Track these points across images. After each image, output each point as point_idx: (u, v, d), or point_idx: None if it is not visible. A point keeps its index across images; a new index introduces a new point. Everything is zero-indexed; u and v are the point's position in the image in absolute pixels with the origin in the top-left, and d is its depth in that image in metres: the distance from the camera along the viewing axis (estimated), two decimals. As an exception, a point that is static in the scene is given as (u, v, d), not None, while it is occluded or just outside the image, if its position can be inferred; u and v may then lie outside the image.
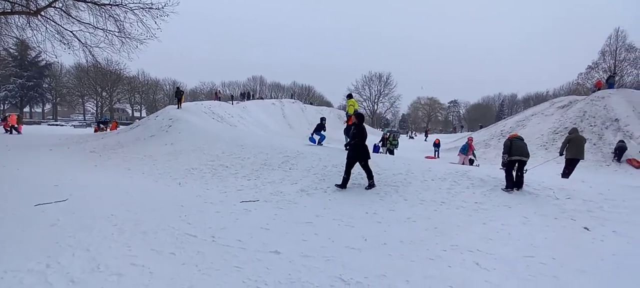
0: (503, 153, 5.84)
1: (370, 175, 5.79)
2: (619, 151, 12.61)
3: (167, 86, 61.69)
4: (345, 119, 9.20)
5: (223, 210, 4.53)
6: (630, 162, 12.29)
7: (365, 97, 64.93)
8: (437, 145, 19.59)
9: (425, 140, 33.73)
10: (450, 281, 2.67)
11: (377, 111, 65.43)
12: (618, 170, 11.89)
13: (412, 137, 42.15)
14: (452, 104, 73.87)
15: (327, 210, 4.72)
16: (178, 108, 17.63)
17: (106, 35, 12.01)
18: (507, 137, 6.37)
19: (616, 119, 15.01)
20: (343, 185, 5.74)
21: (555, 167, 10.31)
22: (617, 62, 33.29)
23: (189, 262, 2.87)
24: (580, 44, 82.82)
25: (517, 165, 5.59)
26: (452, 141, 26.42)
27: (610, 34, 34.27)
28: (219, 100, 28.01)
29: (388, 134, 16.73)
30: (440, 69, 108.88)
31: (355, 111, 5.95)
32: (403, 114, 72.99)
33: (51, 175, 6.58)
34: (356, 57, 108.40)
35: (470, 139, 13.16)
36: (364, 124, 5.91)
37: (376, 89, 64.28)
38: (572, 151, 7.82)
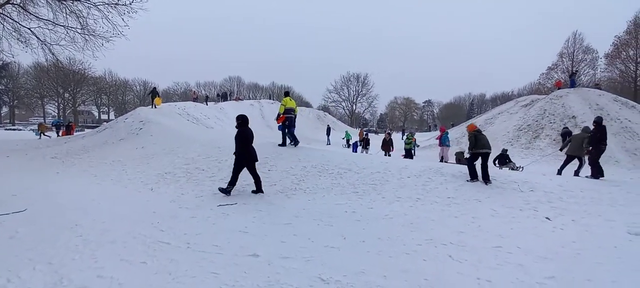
0: (469, 148, 6.17)
1: (257, 181, 5.55)
2: (567, 135, 13.59)
3: (137, 87, 58.70)
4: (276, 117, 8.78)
5: (199, 215, 4.38)
6: None
7: (344, 97, 65.73)
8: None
9: (402, 138, 34.72)
10: (425, 274, 2.77)
11: (356, 111, 66.39)
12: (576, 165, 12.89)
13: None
14: (426, 104, 76.58)
15: (306, 210, 4.72)
16: (152, 108, 16.95)
17: (67, 32, 11.26)
18: (468, 129, 6.59)
19: (573, 116, 16.30)
20: (227, 191, 5.42)
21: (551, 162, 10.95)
22: (574, 63, 36.15)
23: (162, 270, 2.75)
24: (545, 46, 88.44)
25: (481, 158, 5.94)
26: (426, 139, 27.39)
27: (568, 37, 37.30)
28: (196, 101, 27.18)
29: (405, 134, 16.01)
30: (415, 69, 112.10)
31: (241, 115, 5.60)
32: (381, 114, 74.60)
33: (8, 184, 6.04)
34: (335, 56, 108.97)
35: (442, 129, 13.55)
36: (248, 126, 5.59)
37: (354, 89, 65.24)
38: (570, 148, 7.96)
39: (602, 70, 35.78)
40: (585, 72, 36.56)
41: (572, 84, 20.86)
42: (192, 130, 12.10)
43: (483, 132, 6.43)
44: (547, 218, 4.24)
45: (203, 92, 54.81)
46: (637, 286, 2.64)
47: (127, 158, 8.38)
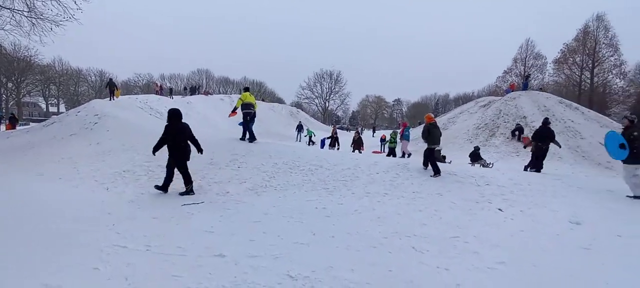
0: (423, 137, 6.60)
1: (187, 180, 5.27)
2: (518, 131, 16.31)
3: (93, 77, 53.97)
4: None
5: (161, 215, 4.14)
6: (524, 140, 15.62)
7: (317, 95, 65.87)
8: (383, 140, 20.88)
9: (373, 136, 35.71)
10: (390, 265, 2.88)
11: (329, 108, 66.87)
12: (526, 160, 14.16)
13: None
14: (396, 102, 79.41)
15: (276, 207, 4.67)
16: (110, 100, 15.86)
17: (13, 15, 10.01)
18: (426, 118, 7.07)
19: (525, 116, 17.87)
20: (163, 188, 5.23)
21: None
22: (526, 68, 39.56)
23: (117, 275, 2.56)
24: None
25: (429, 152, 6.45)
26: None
27: (521, 44, 40.72)
28: (162, 94, 25.73)
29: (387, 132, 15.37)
30: (386, 68, 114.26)
31: (170, 109, 5.40)
32: (353, 111, 75.94)
33: None
34: (307, 54, 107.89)
35: (404, 125, 13.92)
36: (182, 121, 5.35)
37: (327, 86, 65.62)
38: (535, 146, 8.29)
39: (550, 74, 39.56)
40: (535, 76, 40.17)
41: (525, 87, 22.83)
42: (155, 125, 11.38)
43: (442, 128, 6.90)
44: (499, 209, 4.61)
45: (168, 84, 51.77)
46: (576, 269, 2.96)
47: (80, 155, 7.67)
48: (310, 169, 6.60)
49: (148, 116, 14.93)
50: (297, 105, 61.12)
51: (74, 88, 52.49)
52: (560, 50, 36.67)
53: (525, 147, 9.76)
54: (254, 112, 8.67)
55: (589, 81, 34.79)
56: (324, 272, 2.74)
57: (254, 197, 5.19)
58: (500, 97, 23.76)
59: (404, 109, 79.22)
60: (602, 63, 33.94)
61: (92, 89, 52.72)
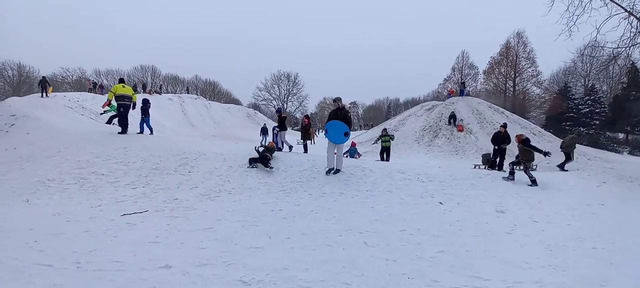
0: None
1: None
2: (452, 118, 19.66)
3: (9, 71, 45.64)
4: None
5: (95, 228, 3.71)
6: (458, 127, 19.02)
7: (274, 96, 65.07)
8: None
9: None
10: (343, 262, 3.00)
11: (287, 110, 66.44)
12: (463, 158, 15.83)
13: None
14: (352, 105, 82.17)
15: (230, 212, 4.52)
16: (42, 97, 14.86)
17: None
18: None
19: (462, 119, 19.97)
20: None
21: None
22: (462, 76, 44.22)
23: (40, 299, 2.25)
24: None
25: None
26: (352, 138, 29.40)
27: (458, 55, 45.46)
28: (102, 93, 23.11)
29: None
30: (342, 71, 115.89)
31: None
32: (311, 113, 76.59)
33: None
34: (266, 60, 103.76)
35: (353, 144, 13.37)
36: None
37: (285, 88, 65.29)
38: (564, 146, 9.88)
39: (481, 83, 44.79)
40: (469, 84, 45.11)
41: (461, 93, 25.50)
42: (88, 128, 10.12)
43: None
44: (440, 202, 5.10)
45: (105, 81, 46.11)
46: (500, 251, 3.42)
47: (-13, 163, 6.46)
48: (266, 171, 6.51)
49: (79, 117, 13.19)
50: (255, 106, 59.61)
51: (-19, 83, 43.82)
52: (488, 62, 41.87)
53: (458, 131, 11.25)
54: (130, 104, 8.87)
55: (512, 89, 40.23)
56: (278, 274, 2.74)
57: (206, 203, 4.95)
58: (442, 102, 26.18)
59: (360, 112, 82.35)
60: (522, 74, 39.55)
61: (8, 85, 44.54)
